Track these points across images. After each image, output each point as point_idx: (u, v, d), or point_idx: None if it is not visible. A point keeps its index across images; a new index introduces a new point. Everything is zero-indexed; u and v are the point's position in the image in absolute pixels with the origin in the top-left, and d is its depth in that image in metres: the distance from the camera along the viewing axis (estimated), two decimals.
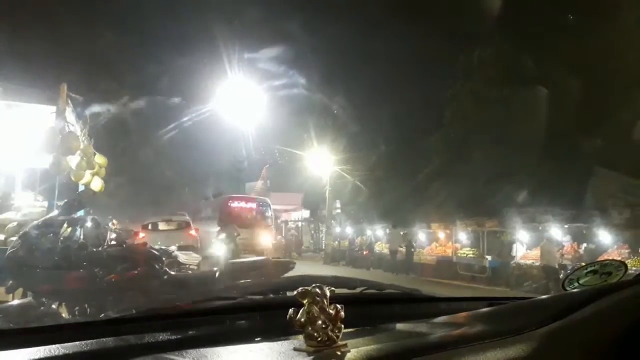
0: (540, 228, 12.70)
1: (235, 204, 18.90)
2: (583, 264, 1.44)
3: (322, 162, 21.69)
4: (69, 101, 6.57)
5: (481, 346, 0.93)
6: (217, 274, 3.71)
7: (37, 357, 0.87)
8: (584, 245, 12.05)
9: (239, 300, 1.27)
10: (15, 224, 5.96)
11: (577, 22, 15.35)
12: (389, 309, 1.34)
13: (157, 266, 3.82)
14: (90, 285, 3.47)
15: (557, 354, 0.94)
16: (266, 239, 17.94)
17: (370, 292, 1.45)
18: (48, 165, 6.18)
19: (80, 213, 4.76)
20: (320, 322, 0.90)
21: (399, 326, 1.17)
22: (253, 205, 19.24)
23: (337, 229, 22.73)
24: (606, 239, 11.49)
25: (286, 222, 28.65)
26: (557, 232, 12.26)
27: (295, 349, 0.92)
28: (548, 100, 14.95)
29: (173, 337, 1.02)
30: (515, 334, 0.97)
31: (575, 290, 1.23)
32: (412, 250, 16.47)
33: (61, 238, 3.76)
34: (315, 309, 0.91)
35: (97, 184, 7.18)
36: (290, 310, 0.92)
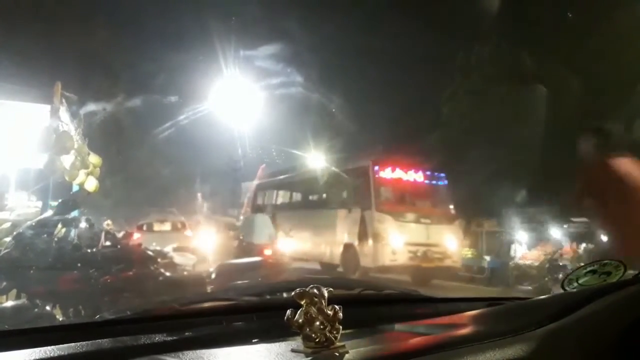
0: (539, 228, 12.78)
1: (392, 175, 10.00)
2: (582, 264, 1.45)
3: (320, 161, 21.64)
4: (63, 100, 6.53)
5: (480, 346, 0.93)
6: (212, 275, 3.70)
7: (31, 358, 0.86)
8: (583, 245, 12.15)
9: (235, 302, 1.27)
10: (9, 224, 5.91)
11: (575, 20, 15.43)
12: (388, 310, 1.33)
13: (152, 267, 3.81)
14: (85, 286, 3.45)
15: (557, 354, 0.94)
16: (454, 243, 9.98)
17: (369, 292, 1.45)
18: (42, 165, 6.14)
19: (75, 213, 4.74)
20: (318, 323, 0.89)
21: (398, 327, 1.16)
22: (421, 178, 10.35)
23: None
24: (605, 239, 11.56)
25: None
26: (556, 232, 12.34)
27: (292, 350, 0.91)
28: (547, 99, 15.04)
29: (169, 338, 1.01)
30: (514, 334, 0.97)
31: (574, 290, 1.23)
32: None
33: (55, 239, 3.73)
34: (313, 309, 0.90)
35: (91, 184, 7.12)
36: (288, 311, 0.91)
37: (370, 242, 9.16)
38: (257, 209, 13.64)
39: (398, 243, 8.94)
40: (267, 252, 8.06)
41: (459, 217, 10.46)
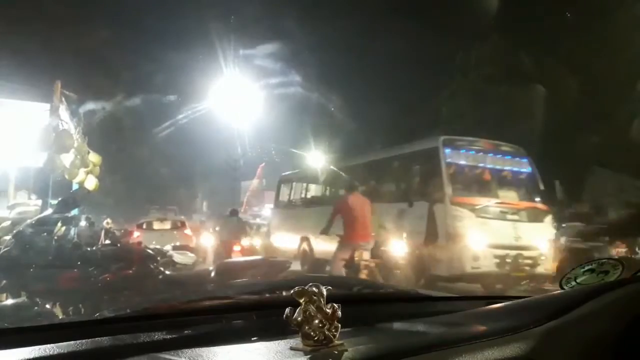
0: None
1: (469, 159, 7.98)
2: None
3: (319, 160, 21.60)
4: (63, 99, 6.54)
5: (478, 345, 0.93)
6: (212, 274, 3.70)
7: (31, 356, 0.86)
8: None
9: (235, 300, 1.27)
10: (8, 222, 5.91)
11: (575, 19, 15.42)
12: (386, 308, 1.33)
13: (151, 265, 3.81)
14: (85, 284, 3.46)
15: (555, 352, 0.94)
16: (548, 245, 7.69)
17: (367, 291, 1.45)
18: (42, 163, 6.15)
19: (75, 212, 4.74)
20: (317, 321, 0.90)
21: (396, 325, 1.16)
22: (503, 163, 8.23)
23: None
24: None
25: None
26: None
27: (291, 349, 0.91)
28: (545, 98, 15.04)
29: (168, 336, 1.01)
30: (512, 333, 0.97)
31: (572, 288, 1.23)
32: None
33: (55, 237, 3.74)
34: (312, 308, 0.90)
35: (91, 183, 7.14)
36: (287, 310, 0.91)
37: (443, 243, 7.30)
38: (281, 204, 12.73)
39: (481, 245, 7.06)
40: (236, 248, 8.48)
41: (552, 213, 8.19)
